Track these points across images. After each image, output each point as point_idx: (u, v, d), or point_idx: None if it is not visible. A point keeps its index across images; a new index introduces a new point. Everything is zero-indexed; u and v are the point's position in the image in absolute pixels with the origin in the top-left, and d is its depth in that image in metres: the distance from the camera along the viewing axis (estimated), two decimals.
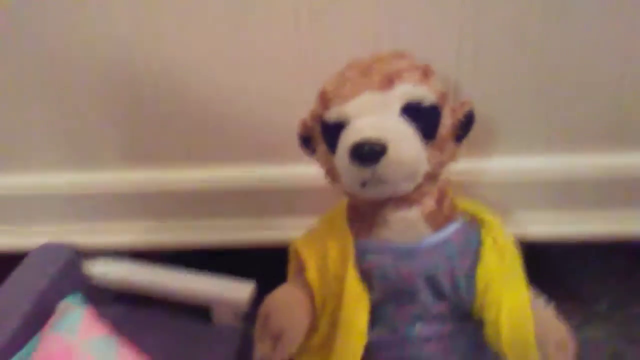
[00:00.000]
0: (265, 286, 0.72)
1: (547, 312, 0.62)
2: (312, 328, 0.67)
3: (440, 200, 0.64)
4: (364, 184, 0.58)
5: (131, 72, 0.82)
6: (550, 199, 0.85)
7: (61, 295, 0.83)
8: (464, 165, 0.82)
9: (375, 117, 0.57)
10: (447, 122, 0.60)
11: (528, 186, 0.84)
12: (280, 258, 0.77)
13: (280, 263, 0.76)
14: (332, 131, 0.60)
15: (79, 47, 0.80)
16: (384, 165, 0.56)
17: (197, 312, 0.90)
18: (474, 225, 0.67)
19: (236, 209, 0.91)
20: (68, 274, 0.89)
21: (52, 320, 0.79)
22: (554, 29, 0.74)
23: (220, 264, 0.91)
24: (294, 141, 0.70)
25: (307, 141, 0.68)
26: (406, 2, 0.73)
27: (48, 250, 0.91)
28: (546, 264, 1.03)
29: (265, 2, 0.75)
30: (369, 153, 0.55)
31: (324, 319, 0.66)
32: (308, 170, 0.84)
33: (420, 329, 0.65)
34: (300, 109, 0.68)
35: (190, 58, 0.80)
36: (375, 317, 0.64)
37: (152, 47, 0.79)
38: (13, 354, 0.76)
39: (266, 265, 0.77)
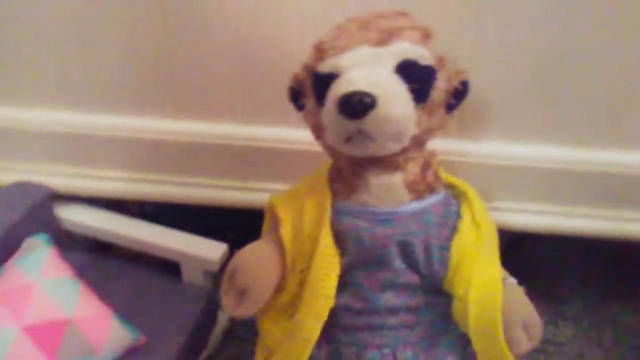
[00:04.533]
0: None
1: (517, 292, 0.61)
2: (281, 286, 0.66)
3: (424, 170, 0.63)
4: (348, 139, 0.57)
5: (136, 24, 0.80)
6: (536, 189, 0.84)
7: (28, 234, 0.82)
8: (454, 145, 0.82)
9: (368, 70, 0.56)
10: (441, 87, 0.59)
11: (515, 174, 0.83)
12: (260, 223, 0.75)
13: (259, 228, 0.74)
14: (323, 83, 0.58)
15: None
16: (371, 120, 0.54)
17: (167, 269, 0.89)
18: (455, 199, 0.66)
19: (220, 167, 0.89)
20: (38, 213, 0.87)
21: (17, 255, 0.78)
22: (559, 17, 0.73)
23: (199, 224, 0.90)
24: (284, 103, 0.68)
25: (296, 96, 0.66)
26: None
27: (21, 187, 0.89)
28: (525, 258, 1.02)
29: None
30: (357, 105, 0.53)
31: (293, 277, 0.65)
32: (296, 134, 0.83)
33: (388, 299, 0.63)
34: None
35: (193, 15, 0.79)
36: (345, 282, 0.62)
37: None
38: None
39: (245, 229, 0.75)
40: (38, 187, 0.90)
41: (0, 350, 0.65)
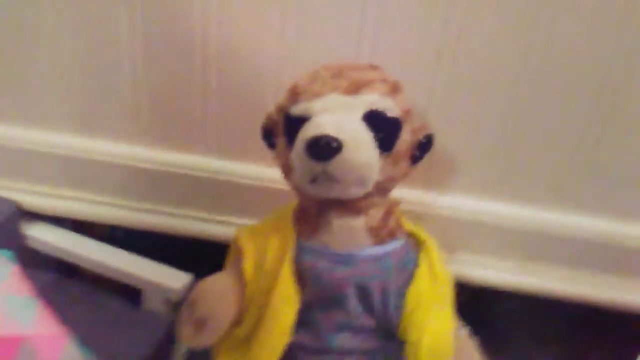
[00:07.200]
0: None
1: (469, 343, 0.63)
2: (239, 320, 0.67)
3: (386, 216, 0.65)
4: (314, 180, 0.59)
5: (114, 50, 0.83)
6: (497, 245, 0.86)
7: None
8: (420, 196, 0.84)
9: (337, 116, 0.58)
10: (406, 139, 0.61)
11: (477, 228, 0.85)
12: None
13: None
14: (294, 125, 0.61)
15: None
16: (337, 163, 0.56)
17: (129, 295, 0.89)
18: (414, 246, 0.68)
19: (190, 198, 0.90)
20: (4, 229, 0.87)
21: None
22: (529, 82, 0.76)
23: (169, 253, 0.90)
24: (257, 141, 0.70)
25: (269, 135, 0.68)
26: (389, 29, 0.76)
27: None
28: (489, 312, 1.03)
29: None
30: (324, 148, 0.56)
31: (251, 312, 0.66)
32: (266, 172, 0.85)
33: (343, 340, 0.64)
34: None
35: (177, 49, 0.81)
36: (302, 321, 0.64)
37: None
38: None
39: (212, 261, 0.76)
40: (6, 201, 0.90)
41: None
